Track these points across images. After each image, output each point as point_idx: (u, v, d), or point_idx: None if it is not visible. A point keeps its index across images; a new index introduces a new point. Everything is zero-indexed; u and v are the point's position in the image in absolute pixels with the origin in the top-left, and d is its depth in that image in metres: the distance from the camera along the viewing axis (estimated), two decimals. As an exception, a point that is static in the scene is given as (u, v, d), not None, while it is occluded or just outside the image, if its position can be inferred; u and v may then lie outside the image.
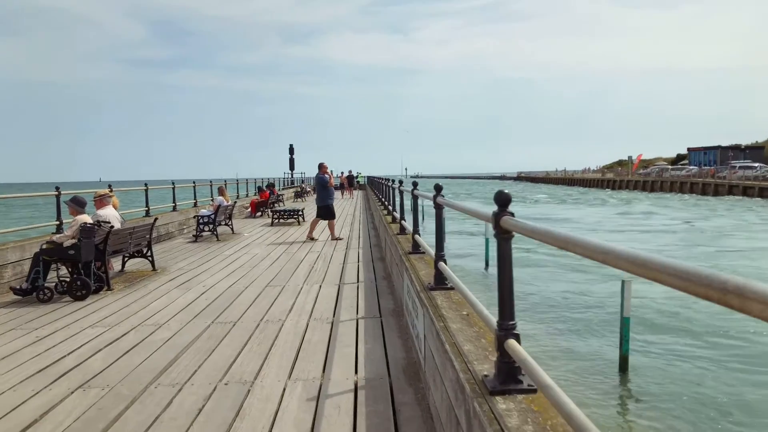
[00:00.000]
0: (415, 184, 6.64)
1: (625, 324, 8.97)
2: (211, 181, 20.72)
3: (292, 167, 54.51)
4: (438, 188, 4.48)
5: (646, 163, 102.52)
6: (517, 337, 2.40)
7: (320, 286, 8.28)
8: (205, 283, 8.70)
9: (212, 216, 14.89)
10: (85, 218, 8.04)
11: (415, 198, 6.62)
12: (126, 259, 10.06)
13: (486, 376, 2.57)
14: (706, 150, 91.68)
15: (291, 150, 54.93)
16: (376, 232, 15.01)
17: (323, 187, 14.34)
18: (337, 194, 42.37)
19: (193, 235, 14.98)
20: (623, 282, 8.90)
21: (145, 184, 14.58)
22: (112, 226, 8.29)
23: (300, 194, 39.11)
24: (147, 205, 14.49)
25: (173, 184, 16.70)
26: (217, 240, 14.70)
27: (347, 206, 29.18)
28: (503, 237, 2.43)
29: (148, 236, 10.02)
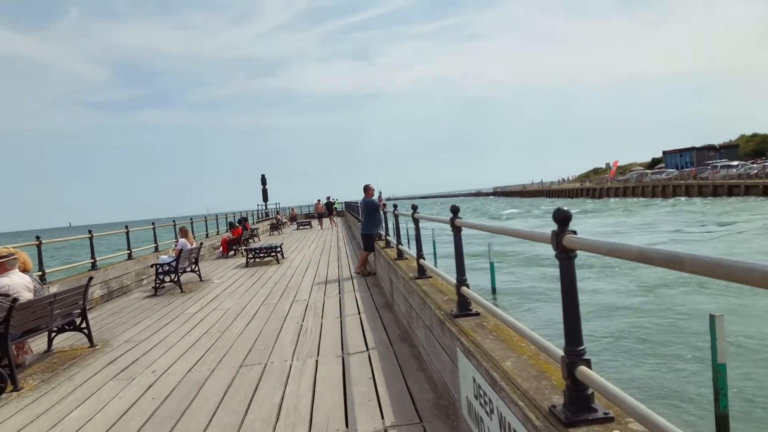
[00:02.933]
0: (455, 211, 4.39)
1: (720, 373, 6.77)
2: (174, 221, 18.22)
3: (265, 198, 51.94)
4: (562, 218, 2.24)
5: (621, 169, 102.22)
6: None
7: (316, 362, 5.91)
8: (156, 367, 6.27)
9: (173, 263, 12.43)
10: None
11: (457, 230, 4.36)
12: (53, 335, 7.58)
13: None
14: (681, 152, 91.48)
15: (263, 180, 52.41)
16: (372, 267, 12.66)
17: (370, 214, 12.05)
18: (315, 224, 39.60)
19: (153, 287, 12.50)
20: (712, 317, 6.72)
21: (89, 231, 12.07)
22: (15, 299, 5.85)
23: (276, 226, 36.58)
24: (93, 257, 11.98)
25: (126, 227, 14.19)
26: (181, 291, 12.22)
27: (329, 237, 26.78)
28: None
29: (81, 302, 7.57)
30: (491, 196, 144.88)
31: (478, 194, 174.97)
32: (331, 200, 40.44)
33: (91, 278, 7.71)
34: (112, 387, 5.67)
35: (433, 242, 21.98)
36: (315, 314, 8.47)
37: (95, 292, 11.42)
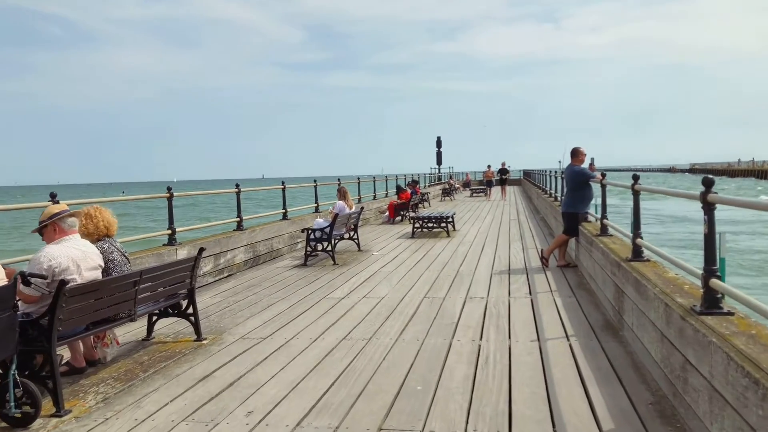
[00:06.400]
0: None
1: None
2: (339, 179, 16.51)
3: (439, 161, 49.96)
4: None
5: None
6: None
7: (509, 450, 3.29)
8: (255, 404, 4.07)
9: (327, 229, 10.49)
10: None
11: None
12: (154, 319, 5.82)
13: None
14: None
15: (438, 143, 50.39)
16: (570, 258, 9.61)
17: (578, 187, 8.88)
18: (469, 195, 35.84)
19: (305, 254, 10.67)
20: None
21: (237, 185, 10.52)
22: (64, 281, 3.94)
23: (448, 192, 34.25)
24: (239, 215, 10.41)
25: (283, 183, 12.60)
26: (334, 263, 10.28)
27: (507, 208, 23.78)
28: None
29: (188, 280, 5.69)
30: (688, 174, 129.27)
31: (672, 170, 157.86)
32: (505, 167, 34.89)
33: (202, 249, 5.80)
34: (176, 439, 3.57)
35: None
36: (498, 328, 5.82)
37: (237, 256, 9.86)
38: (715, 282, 3.45)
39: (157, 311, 5.64)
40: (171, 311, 5.74)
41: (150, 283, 5.07)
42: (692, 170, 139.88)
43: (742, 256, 18.22)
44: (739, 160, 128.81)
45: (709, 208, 3.46)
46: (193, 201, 63.02)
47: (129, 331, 5.99)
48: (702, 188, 3.46)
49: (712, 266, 3.49)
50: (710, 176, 3.44)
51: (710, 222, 3.46)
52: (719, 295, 3.48)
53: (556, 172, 18.73)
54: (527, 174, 45.59)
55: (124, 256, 5.08)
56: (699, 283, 4.69)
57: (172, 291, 5.56)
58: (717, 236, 6.89)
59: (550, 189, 19.41)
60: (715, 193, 3.43)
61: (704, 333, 3.14)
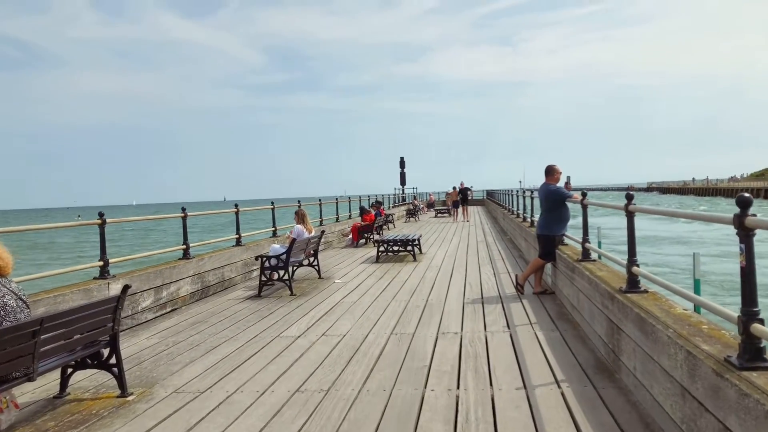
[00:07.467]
0: None
1: None
2: (299, 201, 15.62)
3: (403, 182, 49.38)
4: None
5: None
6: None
7: None
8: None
9: (283, 256, 9.59)
10: None
11: None
12: (70, 371, 4.86)
13: None
14: None
15: (402, 163, 49.86)
16: (546, 284, 8.94)
17: (554, 207, 8.23)
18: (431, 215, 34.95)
19: (260, 284, 9.71)
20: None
21: (183, 209, 9.56)
22: None
23: (412, 213, 33.59)
24: (185, 242, 9.43)
25: (236, 206, 11.67)
26: (291, 294, 9.39)
27: (473, 229, 23.21)
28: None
29: (110, 324, 4.76)
30: (652, 193, 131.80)
31: (630, 189, 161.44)
32: (464, 186, 32.96)
33: (127, 287, 4.88)
34: None
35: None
36: (477, 372, 5.05)
37: (183, 288, 8.89)
38: (758, 328, 2.75)
39: (72, 362, 4.69)
40: (90, 362, 4.80)
41: (60, 331, 4.14)
42: (649, 189, 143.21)
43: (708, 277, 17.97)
44: (693, 178, 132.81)
45: (746, 234, 2.77)
46: (159, 225, 60.99)
47: (39, 386, 5.01)
48: (737, 210, 2.78)
49: (752, 307, 2.79)
50: (746, 195, 2.75)
51: (749, 252, 2.77)
52: (762, 344, 2.78)
53: (524, 191, 18.28)
54: (490, 194, 45.50)
55: (21, 299, 4.13)
56: (709, 316, 4.03)
57: (90, 338, 4.62)
58: (702, 260, 6.32)
59: (518, 209, 18.88)
60: (754, 215, 2.75)
61: (758, 399, 2.42)
